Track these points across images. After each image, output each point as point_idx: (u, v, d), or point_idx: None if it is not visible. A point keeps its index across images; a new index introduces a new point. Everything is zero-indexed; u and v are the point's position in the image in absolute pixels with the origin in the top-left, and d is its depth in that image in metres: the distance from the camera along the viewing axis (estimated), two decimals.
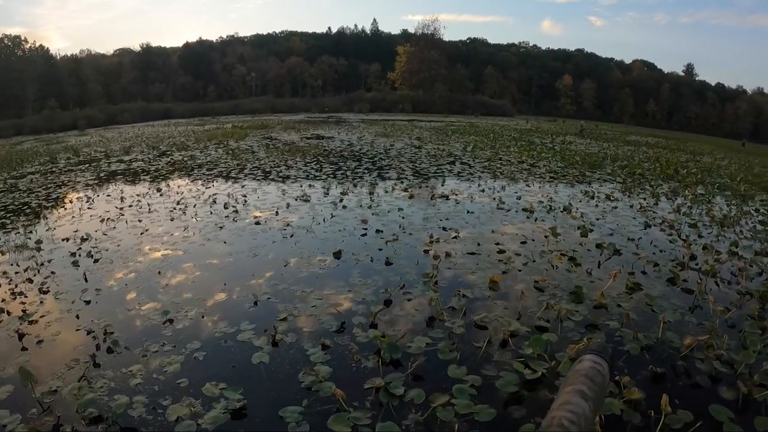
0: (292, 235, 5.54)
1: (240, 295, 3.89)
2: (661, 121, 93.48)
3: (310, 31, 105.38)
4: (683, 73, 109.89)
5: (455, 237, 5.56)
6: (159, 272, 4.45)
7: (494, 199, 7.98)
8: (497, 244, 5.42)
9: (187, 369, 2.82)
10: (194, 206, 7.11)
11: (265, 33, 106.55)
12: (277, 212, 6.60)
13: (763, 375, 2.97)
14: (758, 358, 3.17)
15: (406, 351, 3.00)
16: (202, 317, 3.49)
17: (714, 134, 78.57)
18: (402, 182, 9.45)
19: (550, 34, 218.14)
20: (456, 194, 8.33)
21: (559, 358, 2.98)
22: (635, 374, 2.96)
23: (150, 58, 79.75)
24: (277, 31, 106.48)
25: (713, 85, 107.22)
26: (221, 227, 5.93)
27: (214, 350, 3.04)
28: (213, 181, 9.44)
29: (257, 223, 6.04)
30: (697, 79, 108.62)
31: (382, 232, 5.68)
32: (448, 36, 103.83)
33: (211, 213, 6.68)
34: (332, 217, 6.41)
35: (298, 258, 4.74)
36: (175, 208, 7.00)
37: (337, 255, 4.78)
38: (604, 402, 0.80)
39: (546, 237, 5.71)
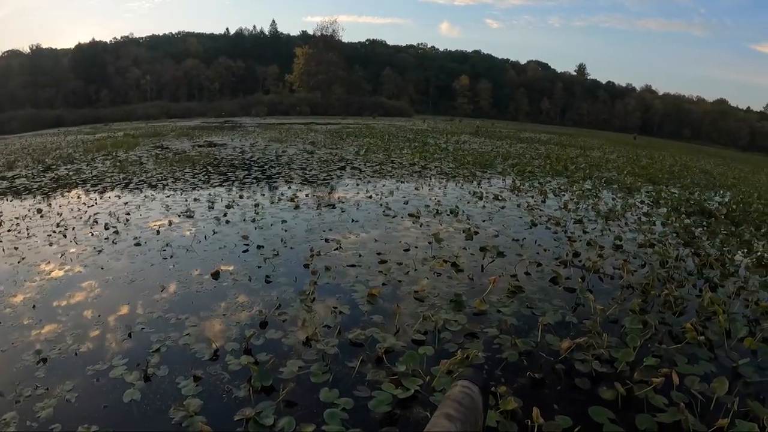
0: (171, 256, 5.92)
1: (114, 327, 4.09)
2: (555, 118, 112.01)
3: (207, 32, 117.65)
4: (576, 73, 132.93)
5: (337, 249, 6.14)
6: (34, 306, 4.54)
7: (381, 205, 8.75)
8: (379, 254, 5.92)
9: (60, 413, 2.96)
10: (74, 228, 7.31)
11: (161, 34, 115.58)
12: (158, 231, 7.02)
13: (644, 371, 3.47)
14: (639, 353, 3.71)
15: (278, 376, 3.26)
16: (75, 354, 3.64)
17: (605, 129, 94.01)
18: (289, 191, 10.39)
19: (448, 35, 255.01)
20: (342, 202, 9.06)
21: (434, 372, 3.26)
22: (513, 382, 3.30)
23: (40, 60, 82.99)
24: (173, 32, 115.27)
25: (604, 83, 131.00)
26: (100, 251, 6.17)
27: (87, 390, 3.20)
28: (97, 199, 9.79)
29: (137, 245, 6.40)
30: (588, 78, 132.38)
31: (263, 247, 6.17)
32: (347, 37, 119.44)
33: (92, 235, 6.94)
34: (214, 233, 6.89)
35: (176, 281, 5.07)
36: (54, 231, 7.16)
37: (215, 276, 5.17)
38: (478, 422, 0.91)
39: (429, 243, 6.32)
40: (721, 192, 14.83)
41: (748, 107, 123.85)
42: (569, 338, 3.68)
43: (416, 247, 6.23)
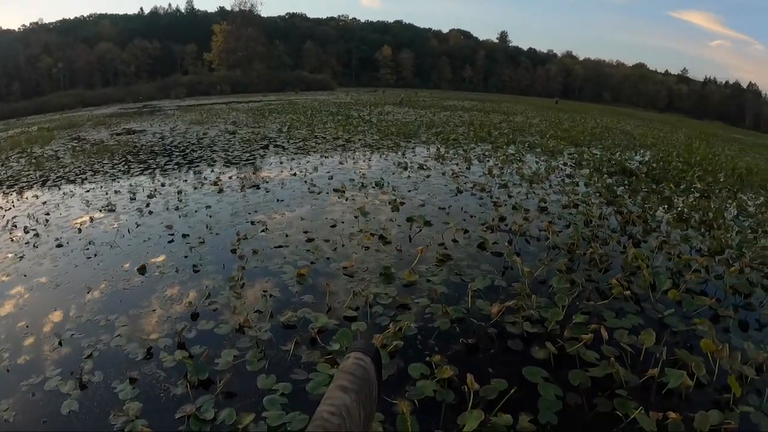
0: (95, 254, 5.84)
1: (44, 336, 4.02)
2: (478, 85, 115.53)
3: (120, 12, 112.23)
4: (498, 40, 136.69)
5: (263, 231, 6.15)
6: None
7: (306, 182, 8.78)
8: (306, 232, 5.96)
9: None
10: None
11: (71, 17, 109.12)
12: (79, 229, 6.90)
13: (574, 329, 3.62)
14: (568, 312, 3.89)
15: (214, 368, 3.30)
16: (8, 371, 3.59)
17: (528, 95, 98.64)
18: (212, 174, 10.22)
19: (369, 7, 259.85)
20: (267, 182, 9.07)
21: None
22: (447, 350, 3.39)
23: None
24: (85, 15, 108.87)
25: (526, 50, 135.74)
26: (21, 257, 6.05)
27: (24, 407, 3.17)
28: (14, 200, 9.49)
29: (59, 246, 6.29)
30: (510, 45, 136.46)
31: (188, 236, 6.16)
32: (266, 12, 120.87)
33: (12, 240, 6.77)
34: (137, 226, 6.84)
35: (102, 280, 5.02)
36: None
37: (142, 270, 5.13)
38: (372, 392, 0.95)
39: (356, 217, 6.40)
40: (642, 152, 15.73)
41: (666, 71, 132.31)
42: (499, 302, 3.81)
43: (343, 223, 6.29)
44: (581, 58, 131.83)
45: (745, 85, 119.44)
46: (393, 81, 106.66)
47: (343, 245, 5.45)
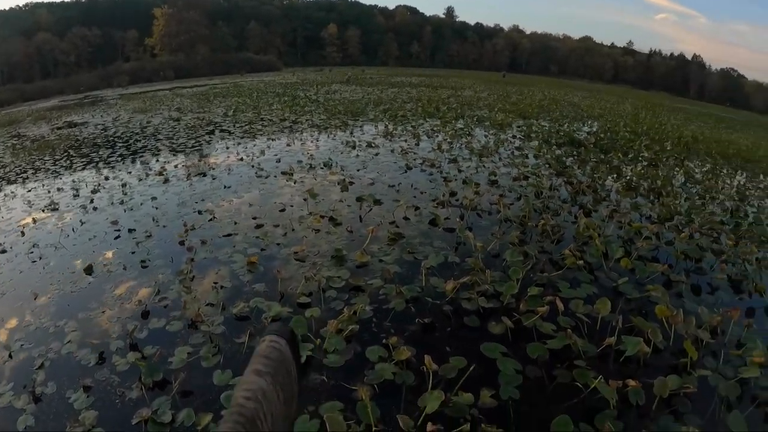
0: (40, 257, 5.67)
1: None
2: (425, 61, 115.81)
3: (57, 0, 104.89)
4: (444, 16, 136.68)
5: (211, 219, 6.00)
6: None
7: (253, 166, 8.61)
8: (254, 218, 5.84)
9: None
10: None
11: (7, 8, 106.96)
12: (23, 232, 6.66)
13: (530, 301, 3.64)
14: (523, 284, 3.90)
15: (168, 368, 3.23)
16: None
17: (475, 69, 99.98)
18: (157, 164, 9.93)
19: None
20: (213, 168, 8.86)
21: (324, 334, 3.25)
22: (403, 331, 3.36)
23: None
24: (20, 5, 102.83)
25: (473, 25, 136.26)
26: None
27: None
28: None
29: (2, 251, 6.11)
30: (457, 20, 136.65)
31: (135, 231, 6.00)
32: None
33: None
34: (82, 224, 6.64)
35: (49, 285, 4.87)
36: None
37: (89, 270, 4.97)
38: (290, 373, 0.96)
39: (305, 200, 6.30)
40: (589, 122, 16.09)
41: (612, 43, 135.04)
42: (453, 279, 3.78)
43: (292, 206, 6.19)
44: (528, 32, 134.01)
45: (689, 57, 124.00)
46: (339, 59, 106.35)
47: (293, 229, 5.37)
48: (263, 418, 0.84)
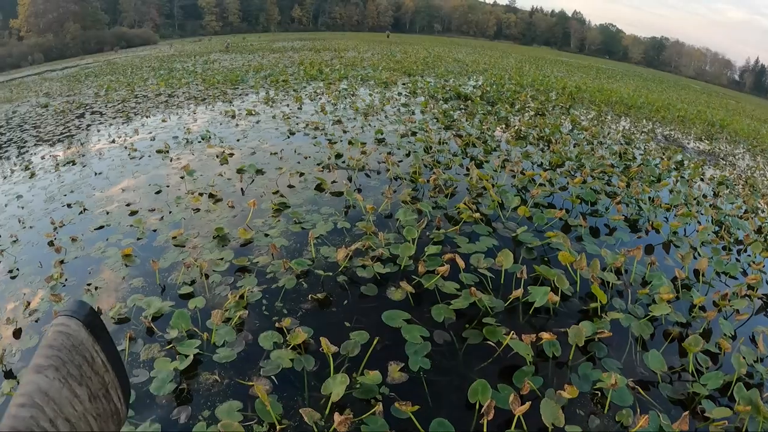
0: None
1: None
2: (308, 25, 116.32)
3: None
4: None
5: (82, 212, 5.32)
6: None
7: (126, 148, 7.82)
8: (128, 205, 5.23)
9: None
10: None
11: None
12: None
13: (428, 261, 3.48)
14: (419, 245, 3.73)
15: None
16: None
17: (359, 30, 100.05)
18: (22, 158, 8.85)
19: None
20: (83, 155, 7.97)
21: (211, 326, 2.91)
22: (297, 311, 3.09)
23: None
24: None
25: None
26: None
27: None
28: None
29: None
30: None
31: None
32: None
33: None
34: None
35: None
36: None
37: None
38: (89, 359, 0.76)
39: (182, 178, 5.77)
40: (475, 77, 16.32)
41: (495, 1, 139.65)
42: (345, 246, 3.54)
43: (168, 186, 5.64)
44: None
45: (570, 13, 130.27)
46: (219, 28, 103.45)
47: (170, 212, 4.87)
48: (49, 424, 0.65)
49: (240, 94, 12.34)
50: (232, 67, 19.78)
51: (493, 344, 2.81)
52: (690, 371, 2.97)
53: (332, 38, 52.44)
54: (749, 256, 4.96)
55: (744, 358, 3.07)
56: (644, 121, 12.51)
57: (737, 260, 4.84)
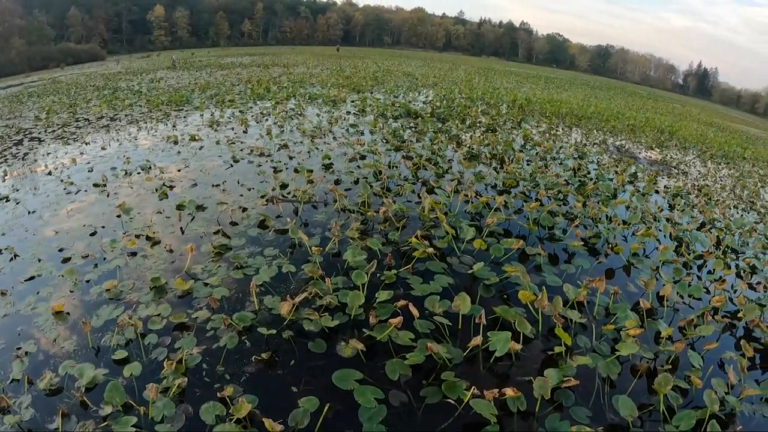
0: None
1: None
2: (258, 40, 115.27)
3: None
4: None
5: (12, 259, 4.73)
6: None
7: (62, 181, 7.19)
8: (61, 250, 4.70)
9: None
10: None
11: None
12: None
13: (380, 310, 3.25)
14: (370, 289, 3.48)
15: None
16: None
17: (309, 44, 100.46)
18: None
19: None
20: (17, 189, 7.28)
21: (147, 397, 2.58)
22: (240, 376, 2.81)
23: None
24: None
25: (305, 0, 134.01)
26: None
27: None
28: None
29: None
30: None
31: None
32: None
33: None
34: None
35: None
36: None
37: None
38: None
39: (118, 216, 5.29)
40: (425, 92, 16.28)
41: (444, 13, 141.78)
42: (290, 296, 3.22)
43: (104, 227, 5.14)
44: (361, 5, 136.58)
45: (517, 24, 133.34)
46: (168, 43, 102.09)
47: (104, 258, 4.40)
48: None
49: (184, 117, 11.81)
50: (178, 86, 19.12)
51: (453, 402, 2.60)
52: (661, 411, 2.85)
53: (282, 53, 51.98)
54: (711, 273, 4.90)
55: (716, 393, 2.96)
56: (595, 132, 12.60)
57: (699, 278, 4.78)
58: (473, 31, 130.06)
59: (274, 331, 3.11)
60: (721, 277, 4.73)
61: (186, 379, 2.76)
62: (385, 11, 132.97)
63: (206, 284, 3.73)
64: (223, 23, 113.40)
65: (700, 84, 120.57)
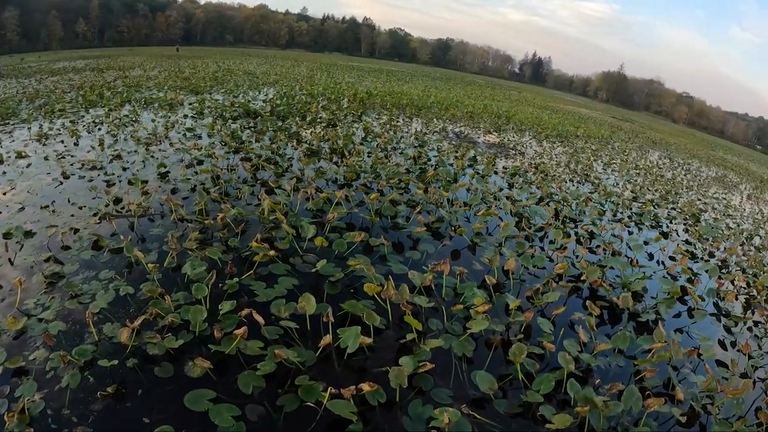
0: None
1: None
2: (94, 41, 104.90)
3: None
4: None
5: None
6: None
7: None
8: None
9: None
10: None
11: None
12: None
13: (225, 321, 3.12)
14: (213, 302, 3.32)
15: None
16: None
17: (148, 44, 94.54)
18: None
19: None
20: None
21: None
22: (87, 416, 2.52)
23: None
24: None
25: None
26: None
27: None
28: None
29: None
30: None
31: None
32: None
33: None
34: None
35: None
36: None
37: None
38: None
39: None
40: (265, 90, 15.92)
41: (287, 10, 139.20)
42: (129, 321, 2.95)
43: None
44: (202, 2, 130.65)
45: (360, 20, 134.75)
46: None
47: None
48: None
49: (10, 131, 10.38)
50: (5, 97, 16.73)
51: (312, 405, 2.56)
52: (520, 379, 3.00)
53: (118, 55, 48.15)
54: (552, 243, 5.26)
55: (569, 353, 3.18)
56: (435, 120, 13.06)
57: (541, 248, 5.12)
58: (317, 28, 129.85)
59: (116, 362, 2.81)
60: (562, 246, 5.14)
61: (32, 430, 2.43)
62: (227, 8, 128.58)
63: (40, 320, 3.28)
64: (56, 24, 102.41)
65: (536, 72, 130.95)
